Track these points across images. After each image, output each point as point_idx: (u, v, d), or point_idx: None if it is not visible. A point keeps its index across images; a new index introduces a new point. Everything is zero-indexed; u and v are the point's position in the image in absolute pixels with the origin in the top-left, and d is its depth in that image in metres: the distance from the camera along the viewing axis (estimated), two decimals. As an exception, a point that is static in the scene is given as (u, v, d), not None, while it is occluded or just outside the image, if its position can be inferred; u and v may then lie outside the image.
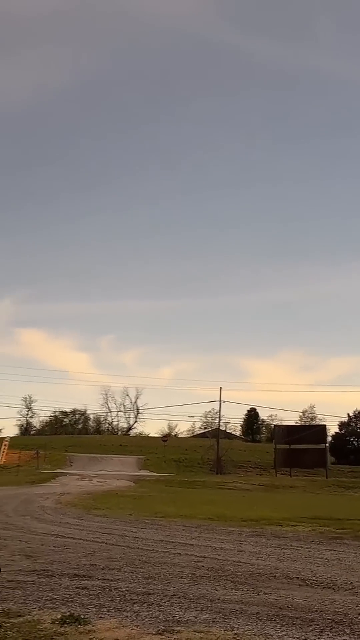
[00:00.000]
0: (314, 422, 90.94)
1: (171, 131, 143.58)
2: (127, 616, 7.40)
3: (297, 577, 10.31)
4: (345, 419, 79.39)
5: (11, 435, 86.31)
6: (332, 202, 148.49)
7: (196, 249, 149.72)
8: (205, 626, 6.98)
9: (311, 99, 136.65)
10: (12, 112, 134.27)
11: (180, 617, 7.39)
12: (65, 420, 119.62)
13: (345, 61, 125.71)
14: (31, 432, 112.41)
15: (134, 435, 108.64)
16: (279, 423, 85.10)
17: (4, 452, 61.96)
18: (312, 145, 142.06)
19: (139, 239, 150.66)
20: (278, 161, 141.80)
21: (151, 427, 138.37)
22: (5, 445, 64.16)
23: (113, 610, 7.68)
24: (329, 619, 7.46)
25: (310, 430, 66.60)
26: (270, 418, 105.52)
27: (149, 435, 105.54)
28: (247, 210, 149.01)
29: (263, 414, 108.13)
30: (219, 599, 8.44)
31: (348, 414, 79.57)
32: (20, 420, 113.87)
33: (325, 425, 69.34)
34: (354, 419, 79.36)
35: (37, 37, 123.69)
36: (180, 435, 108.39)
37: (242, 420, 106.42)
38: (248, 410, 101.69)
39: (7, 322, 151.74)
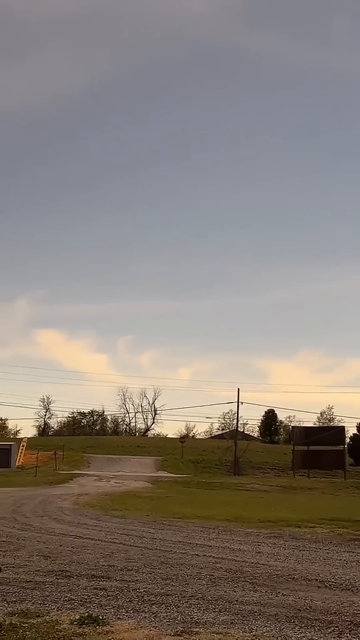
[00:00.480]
0: (332, 424, 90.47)
1: (181, 129, 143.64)
2: (145, 617, 7.40)
3: (316, 579, 10.26)
4: (364, 420, 78.78)
5: (29, 436, 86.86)
6: (352, 199, 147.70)
7: (215, 249, 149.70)
8: (224, 627, 6.97)
9: (316, 95, 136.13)
10: (28, 112, 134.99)
11: (198, 619, 7.38)
12: (83, 421, 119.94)
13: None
14: (49, 433, 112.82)
15: (152, 436, 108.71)
16: (297, 424, 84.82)
17: (22, 453, 62.28)
18: (316, 141, 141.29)
19: (157, 239, 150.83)
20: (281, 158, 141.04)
21: (169, 428, 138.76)
22: (23, 446, 64.50)
23: (131, 611, 7.68)
24: (347, 620, 7.42)
25: (329, 432, 66.25)
26: (288, 419, 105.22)
27: (167, 436, 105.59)
28: (268, 208, 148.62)
29: (281, 415, 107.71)
30: (237, 601, 8.42)
31: (366, 415, 78.97)
32: (38, 421, 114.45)
33: (343, 427, 69.02)
34: (372, 420, 78.68)
35: (41, 39, 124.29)
36: (198, 437, 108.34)
37: (260, 421, 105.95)
38: (266, 412, 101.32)
39: (25, 322, 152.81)
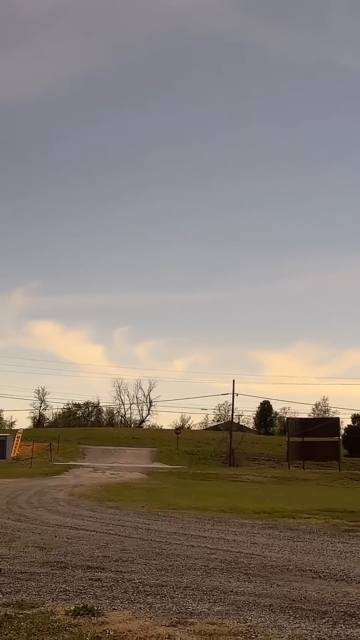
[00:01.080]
0: (327, 415, 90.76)
1: (185, 119, 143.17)
2: (140, 608, 7.41)
3: (310, 570, 10.30)
4: (359, 412, 79.11)
5: (24, 428, 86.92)
6: (351, 191, 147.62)
7: (210, 240, 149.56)
8: (219, 618, 6.99)
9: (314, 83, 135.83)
10: (24, 102, 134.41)
11: (193, 609, 7.40)
12: (78, 412, 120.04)
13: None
14: (44, 425, 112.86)
15: (147, 427, 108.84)
16: (292, 416, 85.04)
17: (17, 444, 62.30)
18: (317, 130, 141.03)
19: (152, 230, 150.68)
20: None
21: (164, 419, 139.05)
22: (18, 437, 64.51)
23: (126, 602, 7.70)
24: (342, 611, 7.45)
25: (324, 423, 66.40)
26: (283, 411, 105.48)
27: (162, 427, 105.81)
28: (263, 200, 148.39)
29: (276, 407, 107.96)
30: (232, 591, 8.44)
31: (361, 407, 79.28)
32: (33, 412, 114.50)
33: (338, 418, 69.22)
34: (367, 412, 78.98)
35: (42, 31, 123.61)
36: (193, 428, 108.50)
37: (255, 412, 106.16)
38: (261, 403, 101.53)
39: (21, 314, 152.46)
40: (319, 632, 6.52)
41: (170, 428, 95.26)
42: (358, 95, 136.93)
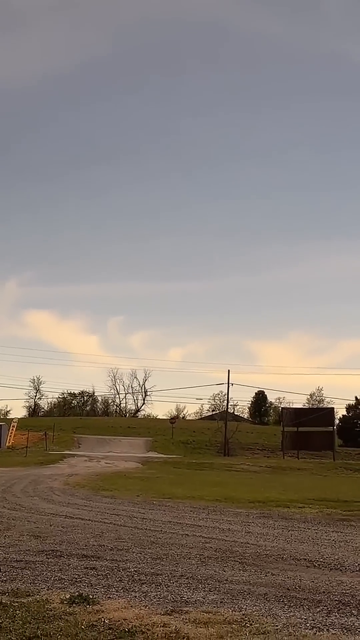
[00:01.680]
0: (322, 405, 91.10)
1: (175, 109, 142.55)
2: (135, 596, 7.44)
3: (305, 559, 10.34)
4: (353, 402, 79.26)
5: (19, 417, 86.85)
6: (343, 179, 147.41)
7: (204, 229, 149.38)
8: (214, 607, 7.01)
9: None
10: (14, 90, 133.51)
11: (188, 598, 7.43)
12: (73, 402, 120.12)
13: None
14: (39, 414, 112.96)
15: (142, 417, 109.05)
16: (287, 406, 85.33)
17: (12, 433, 62.32)
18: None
19: (146, 220, 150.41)
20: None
21: (159, 409, 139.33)
22: (13, 426, 64.53)
23: (121, 591, 7.72)
24: (336, 600, 7.48)
25: (318, 413, 66.65)
26: (278, 401, 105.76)
27: (157, 417, 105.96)
28: (256, 187, 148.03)
29: (271, 397, 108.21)
30: (226, 580, 8.47)
31: (356, 397, 79.29)
32: (28, 401, 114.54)
33: (333, 408, 69.48)
34: (361, 402, 79.19)
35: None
36: (188, 418, 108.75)
37: (250, 402, 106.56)
38: (256, 393, 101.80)
39: (15, 303, 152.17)
40: (313, 620, 6.55)
41: (166, 418, 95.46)
42: (354, 82, 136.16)
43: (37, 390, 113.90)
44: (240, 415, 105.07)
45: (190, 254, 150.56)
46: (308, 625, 6.37)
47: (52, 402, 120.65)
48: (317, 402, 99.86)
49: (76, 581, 8.18)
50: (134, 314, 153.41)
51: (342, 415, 76.83)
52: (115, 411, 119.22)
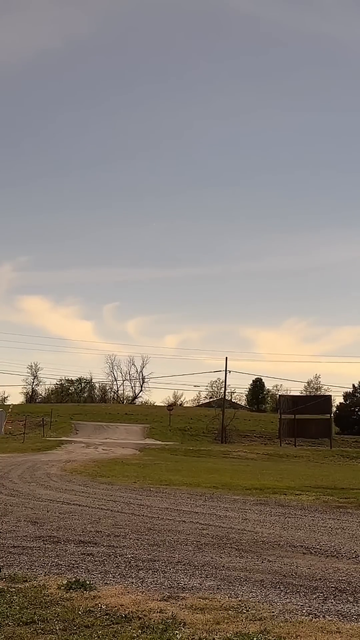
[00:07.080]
0: (319, 393, 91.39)
1: (170, 95, 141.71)
2: (132, 582, 7.45)
3: (301, 546, 10.37)
4: (350, 390, 79.55)
5: (16, 403, 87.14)
6: (341, 170, 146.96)
7: (199, 216, 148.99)
8: (210, 593, 7.03)
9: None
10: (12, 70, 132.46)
11: (185, 584, 7.45)
12: (70, 388, 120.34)
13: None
14: (37, 400, 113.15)
15: (140, 404, 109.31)
16: (284, 393, 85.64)
17: (9, 419, 62.44)
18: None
19: (143, 204, 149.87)
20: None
21: (157, 396, 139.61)
22: (9, 412, 64.65)
23: (118, 577, 7.74)
24: (332, 587, 7.51)
25: (315, 401, 66.84)
26: (275, 388, 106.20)
27: (155, 404, 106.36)
28: (253, 177, 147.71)
29: (268, 384, 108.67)
30: (223, 566, 8.49)
31: (353, 385, 79.73)
32: (25, 388, 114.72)
33: (330, 396, 69.83)
34: (359, 390, 79.44)
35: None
36: (185, 405, 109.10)
37: (248, 390, 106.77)
38: (253, 380, 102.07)
39: (8, 289, 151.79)
40: (309, 607, 6.57)
41: (163, 405, 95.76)
42: (347, 66, 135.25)
43: (35, 376, 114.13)
44: (238, 402, 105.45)
45: (184, 241, 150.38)
46: (304, 611, 6.39)
47: (50, 389, 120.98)
48: (314, 390, 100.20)
49: (73, 567, 8.20)
50: (130, 300, 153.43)
51: (340, 403, 77.18)
52: (113, 398, 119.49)
